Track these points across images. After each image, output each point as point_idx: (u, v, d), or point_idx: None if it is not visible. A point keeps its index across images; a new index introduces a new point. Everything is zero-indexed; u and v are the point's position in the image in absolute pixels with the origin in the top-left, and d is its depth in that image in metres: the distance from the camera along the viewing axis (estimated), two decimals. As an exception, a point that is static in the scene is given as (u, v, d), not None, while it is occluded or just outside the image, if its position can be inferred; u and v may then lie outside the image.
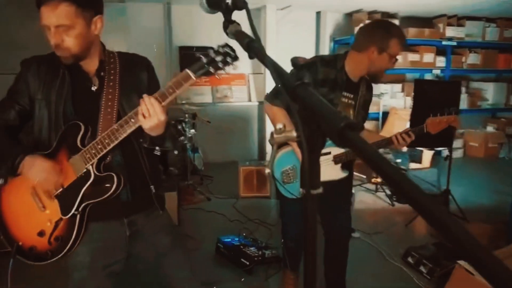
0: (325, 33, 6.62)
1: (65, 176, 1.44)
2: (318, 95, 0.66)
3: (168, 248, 1.66)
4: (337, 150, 2.23)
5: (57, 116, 1.47)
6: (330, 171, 2.25)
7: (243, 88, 6.45)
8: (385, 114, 6.14)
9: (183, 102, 5.35)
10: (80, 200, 1.41)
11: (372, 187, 5.04)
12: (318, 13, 6.63)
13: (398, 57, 2.09)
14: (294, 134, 0.68)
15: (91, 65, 1.51)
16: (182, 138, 5.05)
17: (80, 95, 1.50)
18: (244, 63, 6.44)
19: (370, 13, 6.24)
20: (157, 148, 1.53)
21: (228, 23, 0.94)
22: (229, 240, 3.34)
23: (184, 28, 6.19)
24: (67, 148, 1.44)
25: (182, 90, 1.32)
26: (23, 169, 1.40)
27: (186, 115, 5.07)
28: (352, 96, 2.19)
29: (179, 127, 5.06)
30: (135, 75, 1.57)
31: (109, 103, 1.48)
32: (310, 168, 0.64)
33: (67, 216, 1.42)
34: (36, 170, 1.39)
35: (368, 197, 4.86)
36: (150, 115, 1.29)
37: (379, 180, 4.90)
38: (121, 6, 5.91)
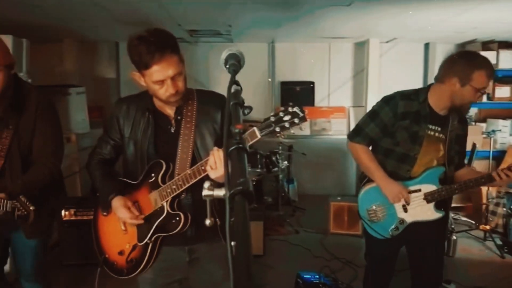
0: (434, 65, 6.23)
1: (145, 207, 1.65)
2: (244, 161, 0.71)
3: (223, 279, 1.75)
4: (427, 187, 2.10)
5: (142, 154, 1.70)
6: (422, 210, 2.12)
7: (343, 121, 6.40)
8: (502, 153, 5.47)
9: (277, 135, 5.50)
10: (153, 232, 1.61)
11: (480, 234, 4.49)
12: (426, 45, 6.30)
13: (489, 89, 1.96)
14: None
15: (171, 108, 1.70)
16: (275, 169, 5.21)
17: (161, 136, 1.70)
18: (346, 96, 6.51)
19: (485, 43, 5.72)
20: None
21: (233, 83, 1.04)
22: (309, 276, 3.31)
23: (286, 65, 6.45)
24: (150, 183, 1.65)
25: (248, 145, 1.42)
26: (113, 206, 1.66)
27: (280, 147, 5.21)
28: (440, 129, 2.09)
29: (273, 158, 5.23)
30: (209, 115, 1.70)
31: (185, 144, 1.65)
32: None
33: (141, 243, 1.63)
34: (120, 211, 1.64)
35: (474, 246, 4.34)
36: (217, 167, 1.41)
37: (489, 227, 4.35)
38: (232, 45, 6.45)
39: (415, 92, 2.11)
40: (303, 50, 6.37)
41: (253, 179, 4.98)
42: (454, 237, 3.95)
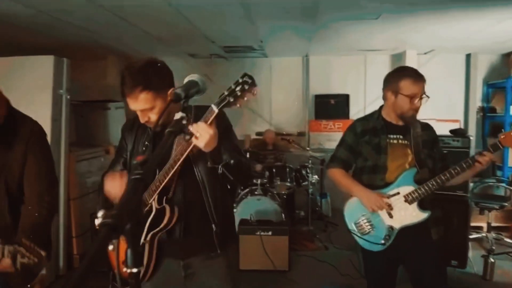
0: (476, 76, 5.98)
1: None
2: (136, 193, 0.73)
3: None
4: (405, 189, 2.14)
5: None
6: (407, 213, 2.14)
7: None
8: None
9: (308, 148, 5.48)
10: (147, 230, 1.66)
11: (524, 257, 4.17)
12: (468, 56, 6.05)
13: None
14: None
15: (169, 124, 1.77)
16: (305, 183, 5.17)
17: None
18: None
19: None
20: (220, 167, 1.60)
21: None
22: (332, 294, 3.25)
23: (320, 78, 6.43)
24: None
25: (213, 119, 1.44)
26: (106, 184, 1.72)
27: (311, 161, 5.17)
28: (402, 137, 2.22)
29: (303, 172, 5.19)
30: None
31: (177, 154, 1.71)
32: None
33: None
34: (111, 185, 1.69)
35: (517, 270, 4.04)
36: (200, 133, 1.43)
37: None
38: (266, 60, 6.55)
39: (371, 113, 2.36)
40: (338, 63, 6.33)
41: (283, 192, 4.96)
42: (492, 260, 3.71)
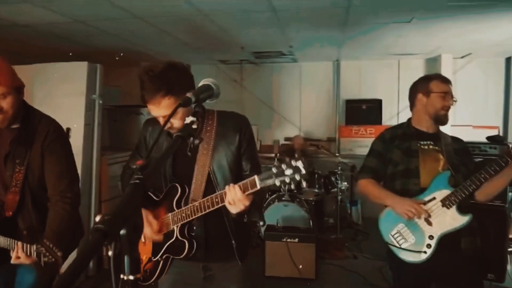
0: (517, 81, 5.70)
1: (161, 226, 1.72)
2: (134, 198, 0.71)
3: None
4: (441, 194, 2.07)
5: (165, 173, 1.77)
6: (446, 218, 2.05)
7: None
8: None
9: (337, 154, 5.39)
10: (164, 252, 1.69)
11: None
12: (508, 59, 5.77)
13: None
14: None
15: None
16: (334, 189, 5.08)
17: (179, 158, 1.76)
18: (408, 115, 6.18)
19: None
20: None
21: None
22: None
23: (351, 82, 6.33)
24: (166, 205, 1.72)
25: (250, 192, 1.42)
26: None
27: (339, 167, 5.08)
28: (432, 143, 2.20)
29: (332, 178, 5.11)
30: (227, 137, 1.72)
31: (201, 169, 1.69)
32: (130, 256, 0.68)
33: (154, 259, 1.71)
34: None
35: None
36: (235, 203, 1.45)
37: None
38: (296, 65, 6.52)
39: (399, 124, 2.39)
40: (370, 67, 6.20)
41: (311, 198, 4.89)
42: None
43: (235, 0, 3.31)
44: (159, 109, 1.56)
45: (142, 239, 1.80)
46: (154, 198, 1.79)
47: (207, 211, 1.54)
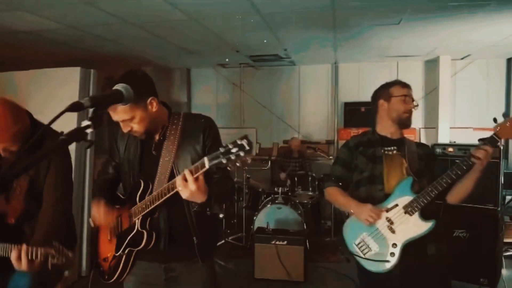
0: (518, 82, 5.60)
1: (124, 222, 1.78)
2: None
3: None
4: (403, 200, 2.02)
5: (133, 173, 1.82)
6: (409, 226, 2.00)
7: (412, 144, 6.00)
8: None
9: (330, 157, 5.38)
10: (126, 245, 1.72)
11: None
12: (509, 60, 5.68)
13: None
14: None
15: (156, 132, 1.78)
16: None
17: (146, 157, 1.80)
18: (416, 117, 6.10)
19: None
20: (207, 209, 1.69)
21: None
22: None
23: (349, 85, 6.31)
24: (131, 201, 1.76)
25: (202, 171, 1.45)
26: (92, 210, 1.80)
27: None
28: (396, 148, 2.17)
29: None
30: (192, 135, 1.76)
31: (165, 165, 1.73)
32: None
33: (117, 254, 1.75)
34: (93, 209, 1.77)
35: None
36: (183, 187, 1.47)
37: None
38: (294, 68, 6.54)
39: (365, 131, 2.35)
40: (368, 69, 6.19)
41: (305, 201, 4.89)
42: None
43: (220, 4, 3.36)
44: (116, 114, 1.60)
45: (108, 236, 1.85)
46: (121, 197, 1.84)
47: (164, 198, 1.57)
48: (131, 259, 1.75)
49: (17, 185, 1.87)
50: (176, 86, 6.94)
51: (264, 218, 4.43)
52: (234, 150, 1.34)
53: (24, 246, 1.63)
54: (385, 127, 2.21)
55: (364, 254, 2.05)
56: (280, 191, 4.67)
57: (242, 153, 1.33)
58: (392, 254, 2.00)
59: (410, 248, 2.01)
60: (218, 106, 6.87)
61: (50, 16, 3.57)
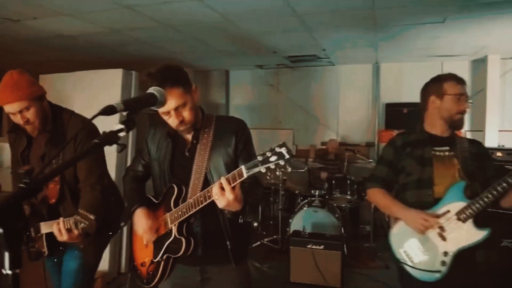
0: None
1: (161, 228, 1.77)
2: (13, 200, 0.74)
3: None
4: (456, 206, 1.89)
5: (164, 174, 1.82)
6: (462, 233, 1.88)
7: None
8: None
9: (370, 160, 5.22)
10: (164, 252, 1.72)
11: None
12: None
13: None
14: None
15: (189, 133, 1.76)
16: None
17: (178, 159, 1.80)
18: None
19: None
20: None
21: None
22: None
23: (391, 85, 6.12)
24: (165, 205, 1.76)
25: (240, 181, 1.42)
26: (134, 219, 1.82)
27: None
28: (448, 148, 2.03)
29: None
30: (224, 139, 1.74)
31: (199, 169, 1.71)
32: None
33: (155, 260, 1.76)
34: (138, 225, 1.78)
35: None
36: (221, 195, 1.44)
37: None
38: (333, 68, 6.43)
39: (409, 130, 2.22)
40: (411, 69, 5.97)
41: (343, 205, 4.79)
42: None
43: (256, 6, 3.34)
44: (171, 100, 1.53)
45: (144, 242, 1.86)
46: (154, 200, 1.85)
47: (201, 206, 1.56)
48: (169, 265, 1.75)
49: None
50: (214, 87, 7.01)
51: (300, 221, 4.38)
52: (272, 158, 1.30)
53: (61, 219, 1.84)
54: (434, 126, 2.07)
55: (412, 262, 1.95)
56: (317, 193, 4.60)
57: (282, 162, 1.30)
58: (443, 263, 1.90)
59: (461, 257, 1.89)
60: (255, 107, 6.88)
61: (92, 20, 3.70)
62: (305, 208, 4.48)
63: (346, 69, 6.38)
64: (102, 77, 4.07)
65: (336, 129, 6.45)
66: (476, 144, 2.08)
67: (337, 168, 5.46)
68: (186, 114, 1.62)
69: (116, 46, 4.77)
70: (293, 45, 4.94)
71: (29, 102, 1.91)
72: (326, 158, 5.60)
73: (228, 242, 1.71)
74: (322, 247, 3.80)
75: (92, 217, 1.83)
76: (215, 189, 1.46)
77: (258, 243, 4.87)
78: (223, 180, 1.43)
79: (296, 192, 5.13)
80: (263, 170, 1.32)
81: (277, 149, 1.31)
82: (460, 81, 2.03)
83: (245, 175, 1.37)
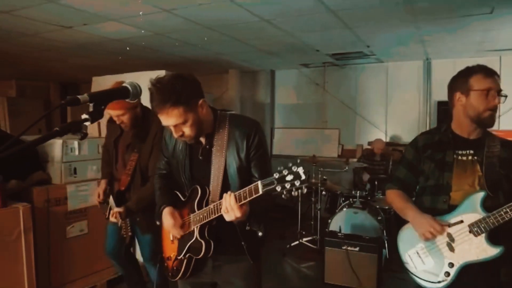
0: None
1: (185, 226, 1.83)
2: None
3: None
4: (470, 217, 1.74)
5: (184, 173, 1.87)
6: (472, 247, 1.74)
7: None
8: None
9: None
10: (186, 251, 1.79)
11: None
12: None
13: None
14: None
15: (203, 136, 1.78)
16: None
17: (194, 162, 1.83)
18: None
19: None
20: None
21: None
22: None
23: (444, 82, 5.74)
24: (190, 206, 1.81)
25: (253, 199, 1.45)
26: (162, 215, 1.89)
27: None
28: (472, 152, 1.85)
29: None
30: (236, 142, 1.74)
31: (216, 172, 1.74)
32: None
33: (179, 257, 1.84)
34: (166, 222, 1.85)
35: None
36: (229, 211, 1.50)
37: None
38: (381, 65, 6.22)
39: (438, 126, 2.08)
40: (465, 65, 5.57)
41: (386, 207, 4.61)
42: None
43: (290, 5, 3.34)
44: (169, 119, 1.59)
45: (171, 237, 1.95)
46: (181, 198, 1.90)
47: (218, 214, 1.61)
48: (192, 265, 1.81)
49: (129, 162, 2.63)
50: (260, 87, 7.08)
51: (339, 222, 4.29)
52: (289, 177, 1.30)
53: (115, 209, 2.58)
54: (460, 125, 1.90)
55: (416, 267, 1.86)
56: (358, 194, 4.48)
57: (297, 183, 1.29)
58: (447, 273, 1.78)
59: (470, 271, 1.76)
60: (301, 106, 6.85)
61: (136, 24, 3.91)
62: (345, 209, 4.39)
63: (395, 66, 6.14)
64: (148, 78, 4.27)
65: (385, 128, 6.23)
66: (507, 147, 1.84)
67: (382, 169, 5.27)
68: (187, 130, 1.64)
69: (160, 48, 4.99)
70: (335, 43, 4.86)
71: (125, 110, 2.49)
72: (372, 159, 5.43)
73: (243, 243, 1.74)
74: (357, 249, 3.70)
75: (121, 209, 2.58)
76: (224, 203, 1.50)
77: (297, 242, 4.86)
78: (232, 200, 1.47)
79: (338, 192, 5.03)
80: (279, 189, 1.32)
81: (294, 169, 1.31)
82: (489, 73, 1.82)
83: (260, 192, 1.38)
